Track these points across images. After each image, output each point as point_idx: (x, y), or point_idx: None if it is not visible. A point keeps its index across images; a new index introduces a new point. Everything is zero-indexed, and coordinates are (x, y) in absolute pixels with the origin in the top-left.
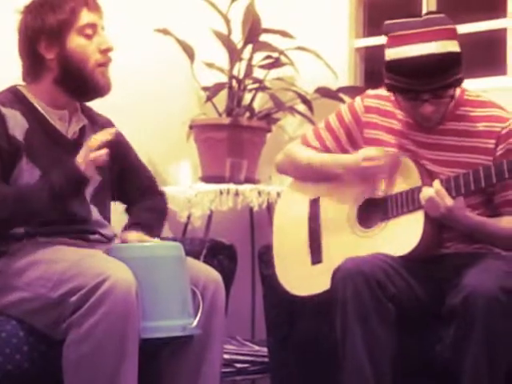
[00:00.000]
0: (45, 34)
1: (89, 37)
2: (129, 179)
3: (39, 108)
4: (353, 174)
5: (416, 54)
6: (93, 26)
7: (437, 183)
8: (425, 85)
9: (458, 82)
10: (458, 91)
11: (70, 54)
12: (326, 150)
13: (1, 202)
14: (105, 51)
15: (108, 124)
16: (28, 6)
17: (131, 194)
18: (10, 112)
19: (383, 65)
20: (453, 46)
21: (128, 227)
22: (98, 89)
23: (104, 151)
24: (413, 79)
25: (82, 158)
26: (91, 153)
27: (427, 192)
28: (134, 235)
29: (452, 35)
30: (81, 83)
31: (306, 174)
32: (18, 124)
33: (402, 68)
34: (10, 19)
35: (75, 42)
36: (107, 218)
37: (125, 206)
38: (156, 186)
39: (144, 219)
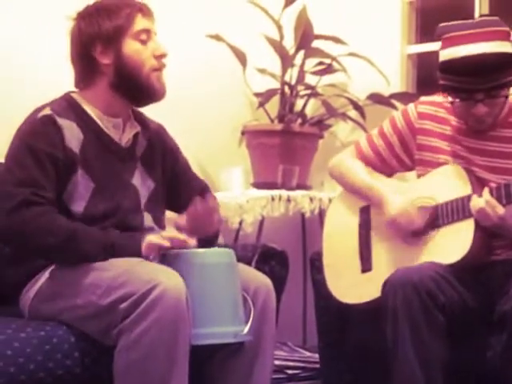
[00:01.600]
0: (101, 40)
1: (144, 42)
2: (180, 186)
3: (94, 116)
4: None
5: (470, 53)
6: (147, 31)
7: (486, 193)
8: (479, 84)
9: None
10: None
11: (126, 59)
12: (379, 158)
13: (54, 230)
14: (159, 57)
15: (160, 130)
16: (81, 12)
17: (183, 202)
18: (66, 123)
19: (437, 67)
20: (507, 47)
21: None
22: (154, 94)
23: (168, 245)
24: (467, 78)
25: (148, 242)
26: (160, 241)
27: (477, 202)
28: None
29: (506, 37)
30: (136, 88)
31: (351, 191)
32: (74, 135)
33: (455, 67)
34: (59, 27)
35: (131, 47)
36: (161, 225)
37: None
38: (209, 190)
39: None
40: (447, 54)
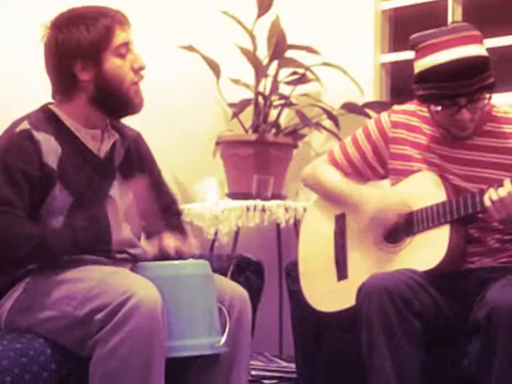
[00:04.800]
0: (80, 56)
1: (123, 56)
2: (152, 196)
3: (72, 129)
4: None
5: (451, 58)
6: (126, 44)
7: (508, 183)
8: (461, 88)
9: (492, 86)
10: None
11: (107, 75)
12: (353, 166)
13: (24, 241)
14: (138, 69)
15: (138, 137)
16: (56, 21)
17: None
18: (43, 137)
19: (413, 78)
20: (483, 50)
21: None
22: (132, 107)
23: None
24: (449, 83)
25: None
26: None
27: (497, 192)
28: (173, 240)
29: (480, 40)
30: (116, 102)
31: (327, 197)
32: (51, 150)
33: (437, 74)
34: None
35: (111, 63)
36: (138, 236)
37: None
38: (177, 205)
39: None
40: (426, 62)
